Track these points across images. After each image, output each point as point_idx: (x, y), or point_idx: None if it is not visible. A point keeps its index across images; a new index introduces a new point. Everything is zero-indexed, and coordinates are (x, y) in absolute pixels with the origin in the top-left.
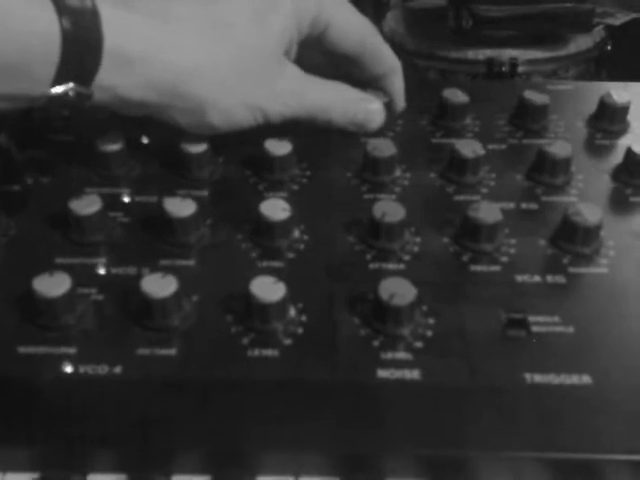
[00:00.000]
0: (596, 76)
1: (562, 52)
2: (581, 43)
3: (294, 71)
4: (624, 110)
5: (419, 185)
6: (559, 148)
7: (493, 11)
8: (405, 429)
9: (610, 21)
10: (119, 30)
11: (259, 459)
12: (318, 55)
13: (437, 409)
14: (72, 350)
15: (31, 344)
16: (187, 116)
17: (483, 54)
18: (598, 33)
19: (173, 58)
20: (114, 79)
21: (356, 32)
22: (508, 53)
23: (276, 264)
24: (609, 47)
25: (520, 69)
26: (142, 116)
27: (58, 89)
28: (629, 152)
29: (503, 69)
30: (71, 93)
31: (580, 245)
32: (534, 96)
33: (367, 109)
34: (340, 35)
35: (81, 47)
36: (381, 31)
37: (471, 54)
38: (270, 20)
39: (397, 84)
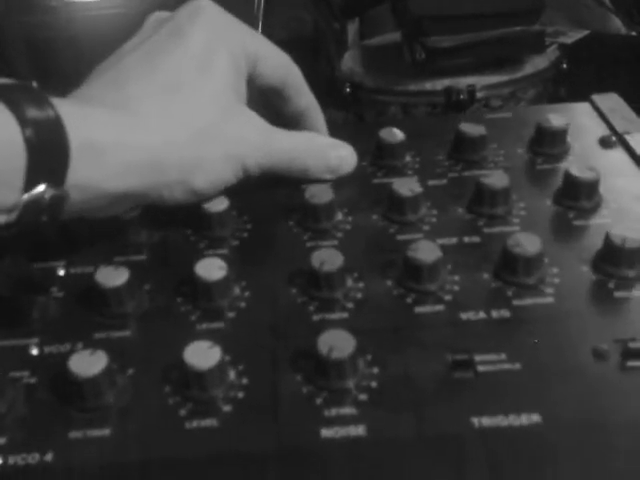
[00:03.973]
0: (555, 95)
1: (519, 74)
2: (537, 63)
3: (261, 121)
4: (562, 133)
5: (361, 228)
6: (496, 179)
7: (445, 41)
8: None
9: (563, 40)
10: (84, 124)
11: None
12: (251, 92)
13: (383, 464)
14: (2, 440)
15: None
16: (173, 189)
17: (441, 84)
18: (552, 52)
19: (143, 137)
20: (91, 173)
21: (281, 65)
22: (465, 81)
23: (216, 325)
24: (565, 65)
25: (479, 95)
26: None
27: (31, 194)
28: (567, 175)
29: (461, 97)
30: (46, 196)
31: (522, 276)
32: (470, 128)
33: (339, 155)
34: (268, 69)
35: (47, 151)
36: (340, 70)
37: (429, 85)
38: (213, 68)
39: (320, 118)
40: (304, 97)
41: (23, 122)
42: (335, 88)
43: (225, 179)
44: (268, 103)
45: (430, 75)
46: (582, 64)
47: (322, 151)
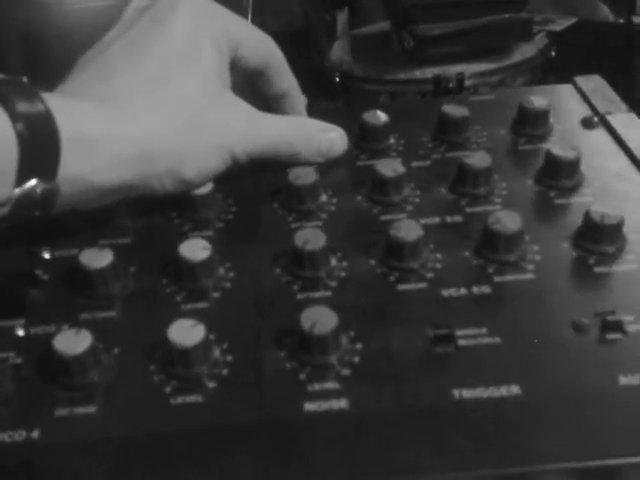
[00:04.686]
0: (543, 82)
1: (507, 62)
2: (525, 51)
3: (247, 107)
4: (545, 114)
5: (345, 209)
6: (478, 159)
7: (433, 29)
8: (335, 461)
9: (551, 27)
10: (73, 118)
11: None
12: (236, 76)
13: (366, 437)
14: None
15: None
16: (163, 179)
17: (430, 72)
18: (541, 40)
19: (132, 129)
20: (81, 166)
21: (263, 46)
22: (454, 69)
23: (201, 305)
24: (553, 53)
25: (467, 83)
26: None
27: (23, 189)
28: (548, 154)
29: (450, 85)
30: (38, 190)
31: (503, 253)
32: (453, 109)
33: (329, 137)
34: (250, 51)
35: (39, 145)
36: (329, 61)
37: (418, 74)
38: (197, 56)
39: (301, 100)
40: (286, 78)
41: (14, 116)
42: (325, 78)
43: (214, 168)
44: (249, 85)
45: (419, 63)
46: (570, 52)
47: (312, 135)
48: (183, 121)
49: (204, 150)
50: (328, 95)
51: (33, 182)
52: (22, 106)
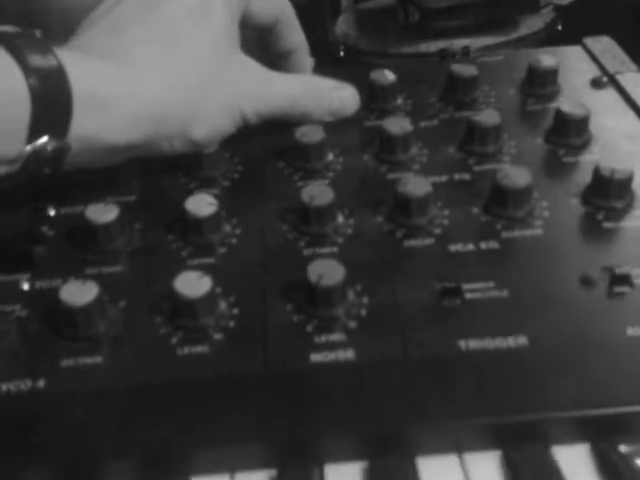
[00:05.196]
0: None
1: (513, 36)
2: (531, 25)
3: (258, 67)
4: (553, 74)
5: (352, 168)
6: (487, 116)
7: (439, 2)
8: (341, 410)
9: (558, 1)
10: (85, 75)
11: (193, 458)
12: (245, 32)
13: (373, 386)
14: None
15: None
16: (173, 140)
17: (435, 46)
18: (548, 14)
19: (143, 89)
20: (92, 125)
21: (274, 1)
22: (460, 43)
23: (207, 261)
24: (560, 27)
25: (473, 56)
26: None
27: (34, 145)
28: (558, 112)
29: (456, 59)
30: (49, 147)
31: (512, 209)
32: (462, 69)
33: (340, 96)
34: (261, 6)
35: (51, 101)
36: (334, 35)
37: (423, 47)
38: (208, 14)
39: (308, 59)
40: (295, 35)
41: (27, 70)
42: (329, 52)
43: (224, 129)
44: (258, 41)
45: (424, 37)
46: (577, 26)
47: (323, 94)
48: (195, 82)
49: (214, 111)
50: None
51: (44, 139)
52: (35, 60)
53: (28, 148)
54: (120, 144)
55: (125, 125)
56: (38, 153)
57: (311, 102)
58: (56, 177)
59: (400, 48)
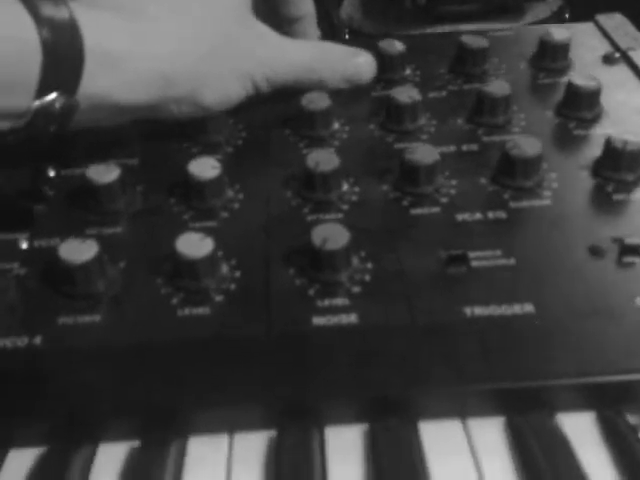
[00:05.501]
0: None
1: (519, 23)
2: (538, 12)
3: (270, 33)
4: (565, 48)
5: (358, 137)
6: (497, 87)
7: None
8: (343, 373)
9: None
10: (98, 30)
11: (193, 418)
12: None
13: (376, 350)
14: None
15: None
16: (181, 103)
17: (441, 30)
18: (555, 2)
19: (154, 48)
20: (102, 82)
21: None
22: (466, 28)
23: (209, 224)
24: (567, 15)
25: None
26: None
27: (42, 101)
28: (570, 85)
29: None
30: (57, 104)
31: (521, 179)
32: (472, 40)
33: (356, 62)
34: None
35: (62, 54)
36: (339, 18)
37: (429, 31)
38: None
39: (315, 28)
40: (305, 2)
41: (39, 20)
42: (334, 36)
43: (234, 95)
44: (265, 5)
45: (430, 21)
46: (584, 15)
47: (337, 60)
48: (207, 46)
49: (225, 76)
50: None
51: (53, 95)
52: (47, 10)
53: (36, 103)
54: (129, 104)
55: (135, 84)
56: (46, 109)
57: (325, 69)
58: (59, 138)
59: (406, 32)
